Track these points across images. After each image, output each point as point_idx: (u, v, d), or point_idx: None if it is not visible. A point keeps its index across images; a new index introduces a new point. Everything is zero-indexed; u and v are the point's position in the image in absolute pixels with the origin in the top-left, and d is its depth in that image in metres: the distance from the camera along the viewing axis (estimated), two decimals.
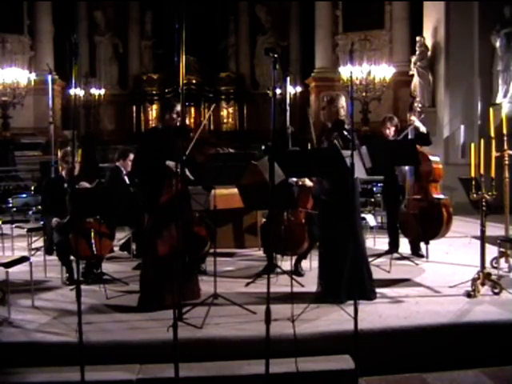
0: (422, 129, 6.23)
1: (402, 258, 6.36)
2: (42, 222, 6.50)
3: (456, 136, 10.82)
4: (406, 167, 6.18)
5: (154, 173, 4.68)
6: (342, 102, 4.94)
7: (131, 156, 6.52)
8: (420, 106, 6.67)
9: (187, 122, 14.95)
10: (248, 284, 5.37)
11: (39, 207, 7.29)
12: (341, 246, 4.67)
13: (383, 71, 12.58)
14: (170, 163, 4.62)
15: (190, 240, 4.78)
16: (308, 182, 5.69)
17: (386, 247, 6.74)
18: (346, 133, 4.76)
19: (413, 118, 6.27)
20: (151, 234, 4.70)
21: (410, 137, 6.27)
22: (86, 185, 5.77)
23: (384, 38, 14.21)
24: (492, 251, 5.79)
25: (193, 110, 16.50)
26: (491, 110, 6.32)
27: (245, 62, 17.18)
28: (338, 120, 4.91)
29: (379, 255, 6.31)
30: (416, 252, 6.53)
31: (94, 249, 5.34)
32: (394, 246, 6.54)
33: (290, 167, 4.39)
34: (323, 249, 4.94)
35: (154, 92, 16.71)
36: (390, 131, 6.44)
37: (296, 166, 4.42)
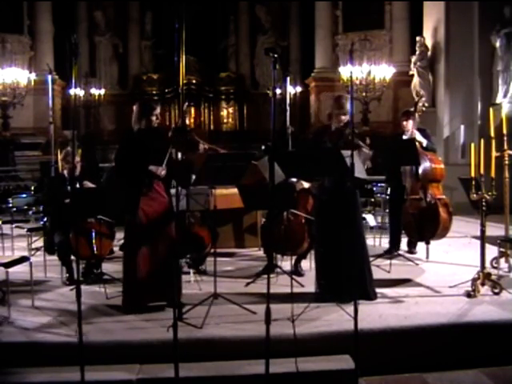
0: (424, 144, 6.18)
1: (403, 257, 6.36)
2: (41, 222, 6.51)
3: (456, 136, 10.81)
4: (407, 167, 6.17)
5: (134, 177, 4.62)
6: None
7: None
8: (426, 105, 6.63)
9: (187, 122, 14.93)
10: (248, 284, 5.36)
11: (39, 207, 7.30)
12: (344, 245, 4.65)
13: (383, 71, 12.57)
14: (153, 168, 4.59)
15: (189, 241, 4.78)
16: (305, 184, 5.69)
17: (386, 247, 6.75)
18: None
19: (414, 131, 6.24)
20: (133, 238, 4.65)
21: None
22: (89, 184, 5.78)
23: (384, 38, 14.19)
24: (492, 251, 5.79)
25: (193, 110, 16.49)
26: (491, 110, 6.31)
27: (245, 62, 17.16)
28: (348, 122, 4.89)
29: (379, 255, 6.31)
30: (410, 249, 6.60)
31: (95, 249, 5.35)
32: (394, 245, 6.55)
33: (289, 167, 4.39)
34: (324, 248, 4.92)
35: (154, 92, 16.67)
36: (408, 125, 6.34)
37: (296, 166, 4.41)
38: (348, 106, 4.88)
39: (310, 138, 5.59)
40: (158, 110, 4.77)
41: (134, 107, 4.85)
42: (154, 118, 4.74)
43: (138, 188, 4.60)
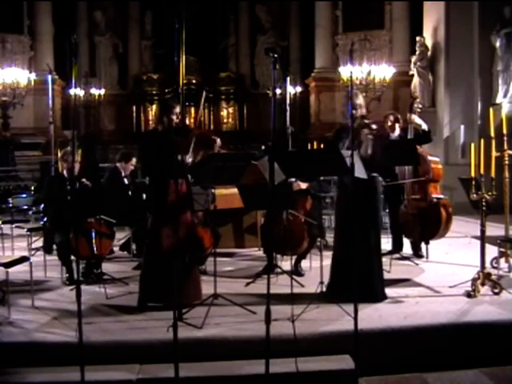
0: (424, 126, 6.23)
1: (402, 258, 6.37)
2: (41, 222, 6.51)
3: (456, 136, 10.82)
4: (406, 167, 6.17)
5: (160, 174, 4.67)
6: (360, 99, 4.95)
7: (133, 160, 6.56)
8: (420, 106, 6.66)
9: (187, 121, 14.95)
10: (248, 284, 5.36)
11: (39, 207, 7.29)
12: (360, 244, 4.58)
13: (383, 71, 12.57)
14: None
15: (191, 240, 4.79)
16: (302, 185, 5.68)
17: (385, 247, 6.74)
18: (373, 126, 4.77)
19: (413, 116, 6.27)
20: (156, 233, 4.69)
21: (409, 136, 6.28)
22: (88, 183, 5.78)
23: (384, 38, 14.20)
24: (492, 251, 5.79)
25: (193, 110, 16.50)
26: (491, 110, 6.32)
27: (245, 62, 17.17)
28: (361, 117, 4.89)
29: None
30: (416, 252, 6.52)
31: (95, 248, 5.35)
32: (397, 246, 6.54)
33: (289, 167, 4.38)
34: (340, 246, 4.88)
35: (154, 92, 16.70)
36: (394, 127, 6.40)
37: (296, 166, 4.41)
38: (358, 100, 4.90)
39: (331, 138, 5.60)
40: (177, 109, 4.78)
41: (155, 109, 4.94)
42: (174, 117, 4.76)
43: (164, 186, 4.62)
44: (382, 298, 4.79)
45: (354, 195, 4.47)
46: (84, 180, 5.78)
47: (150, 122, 16.39)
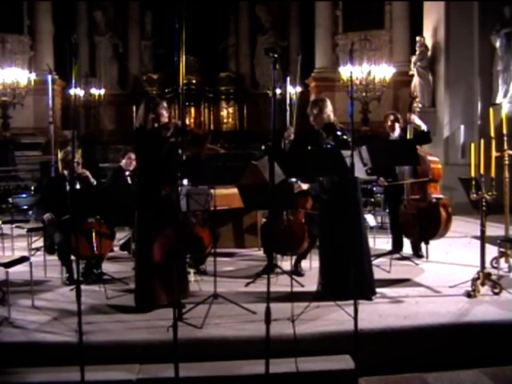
0: (423, 127, 6.24)
1: (402, 258, 6.37)
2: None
3: (456, 136, 10.83)
4: (406, 167, 6.17)
5: (155, 173, 4.65)
6: (330, 106, 4.98)
7: (130, 155, 6.56)
8: (420, 106, 6.66)
9: (187, 122, 14.95)
10: (248, 284, 5.37)
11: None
12: (344, 244, 4.65)
13: (383, 71, 12.58)
14: None
15: (189, 241, 4.79)
16: (304, 186, 5.69)
17: (385, 247, 6.75)
18: (339, 133, 4.80)
19: (413, 116, 6.28)
20: (146, 235, 4.68)
21: (408, 136, 6.28)
22: (87, 173, 5.77)
23: (384, 38, 14.21)
24: (492, 251, 5.79)
25: (193, 110, 16.50)
26: (491, 110, 6.32)
27: (245, 62, 17.17)
28: (328, 124, 4.92)
29: (380, 255, 6.30)
30: (416, 252, 6.52)
31: (95, 249, 5.35)
32: (397, 246, 6.54)
33: (289, 167, 4.38)
34: (324, 248, 4.93)
35: (154, 92, 16.65)
36: (394, 127, 6.43)
37: (296, 166, 4.41)
38: (329, 106, 4.97)
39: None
40: (164, 104, 4.74)
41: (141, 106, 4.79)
42: (163, 112, 4.68)
43: (161, 183, 4.61)
44: (370, 294, 4.80)
45: (335, 200, 4.61)
46: (84, 171, 5.77)
47: None
